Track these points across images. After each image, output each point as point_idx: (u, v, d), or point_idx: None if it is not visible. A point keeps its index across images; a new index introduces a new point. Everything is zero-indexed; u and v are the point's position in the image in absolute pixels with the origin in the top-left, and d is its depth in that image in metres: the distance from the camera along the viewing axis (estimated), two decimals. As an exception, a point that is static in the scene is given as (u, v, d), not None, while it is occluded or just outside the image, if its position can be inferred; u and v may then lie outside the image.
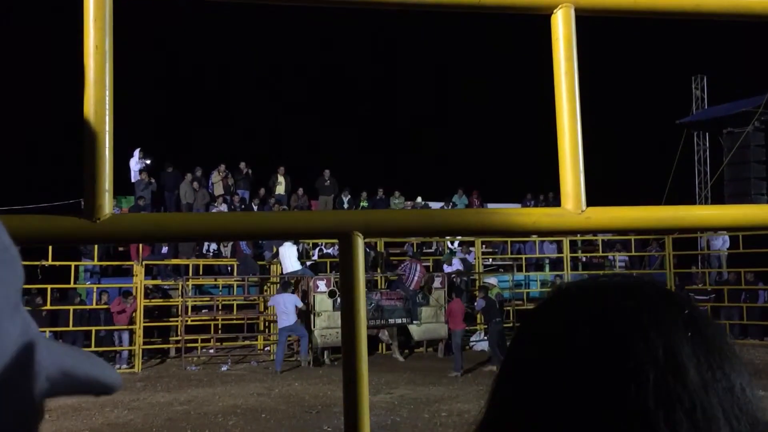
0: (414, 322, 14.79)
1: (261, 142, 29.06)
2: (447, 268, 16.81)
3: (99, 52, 1.00)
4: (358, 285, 1.03)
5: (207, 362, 14.77)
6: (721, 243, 18.29)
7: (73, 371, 0.52)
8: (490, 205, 19.81)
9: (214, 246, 17.46)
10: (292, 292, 14.08)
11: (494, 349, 13.05)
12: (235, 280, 16.44)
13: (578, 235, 17.27)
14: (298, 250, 15.80)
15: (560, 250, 18.85)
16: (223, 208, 17.69)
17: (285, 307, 13.59)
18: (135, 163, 18.38)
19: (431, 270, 16.90)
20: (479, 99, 35.28)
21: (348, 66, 34.20)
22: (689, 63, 26.08)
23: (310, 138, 31.82)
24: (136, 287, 14.61)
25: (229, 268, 16.87)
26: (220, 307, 16.15)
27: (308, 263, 16.71)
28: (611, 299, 0.61)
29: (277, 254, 16.02)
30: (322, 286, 14.21)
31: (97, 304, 14.50)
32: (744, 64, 26.58)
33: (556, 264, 19.13)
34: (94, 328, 14.12)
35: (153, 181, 18.23)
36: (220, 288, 16.73)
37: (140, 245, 14.89)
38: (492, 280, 15.86)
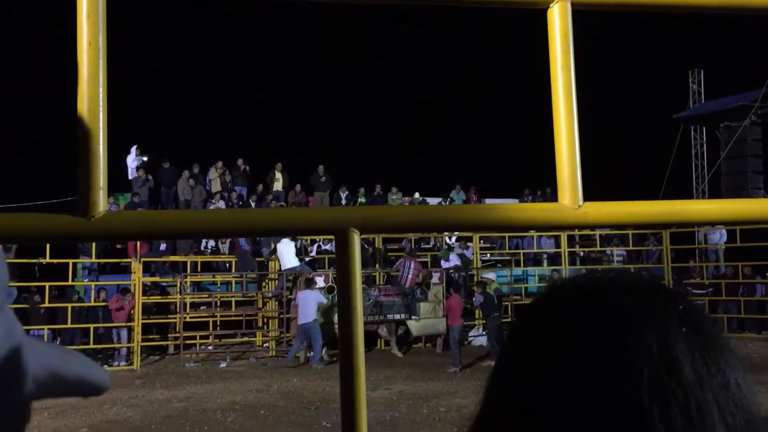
0: (413, 317, 14.81)
1: (259, 138, 29.03)
2: (444, 264, 16.83)
3: (92, 48, 1.00)
4: (355, 281, 1.03)
5: (205, 359, 14.78)
6: (719, 237, 18.33)
7: (61, 372, 0.50)
8: (487, 201, 19.84)
9: (212, 243, 17.45)
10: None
11: (493, 344, 13.08)
12: (233, 277, 16.44)
13: (576, 230, 17.30)
14: (296, 246, 15.80)
15: (558, 245, 18.88)
16: (221, 204, 17.67)
17: (308, 304, 13.50)
18: (132, 160, 18.35)
19: (429, 266, 16.91)
20: (477, 95, 35.26)
21: (346, 63, 34.17)
22: (686, 57, 26.10)
23: (308, 134, 31.83)
24: (135, 284, 14.60)
25: (227, 265, 16.86)
26: (218, 304, 16.15)
27: (307, 259, 16.72)
28: (606, 295, 0.61)
29: (275, 251, 16.02)
30: (320, 282, 14.22)
31: (95, 302, 14.50)
32: (741, 58, 26.57)
33: (554, 259, 19.15)
34: (92, 326, 14.11)
35: (150, 178, 18.20)
36: (219, 285, 16.72)
37: (138, 242, 14.88)
38: (490, 275, 15.89)
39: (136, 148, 18.54)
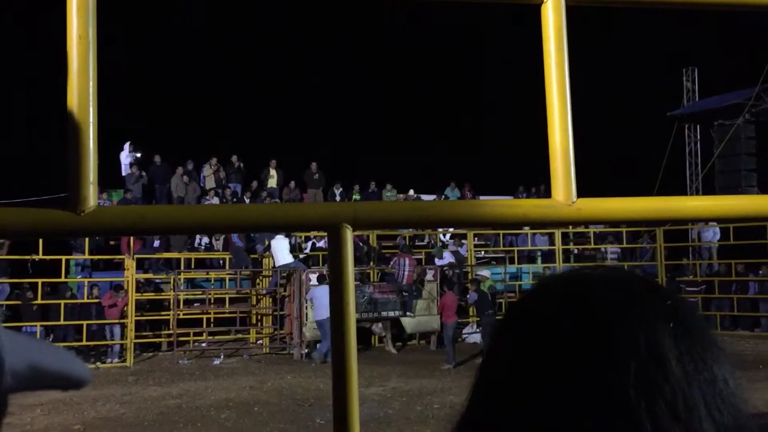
0: (408, 314, 14.82)
1: (253, 135, 28.97)
2: (438, 261, 16.84)
3: (83, 42, 0.99)
4: (347, 277, 1.03)
5: (199, 356, 14.77)
6: (712, 235, 18.39)
7: (40, 366, 0.50)
8: (482, 198, 19.84)
9: (206, 240, 17.42)
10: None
11: (486, 341, 13.09)
12: (227, 274, 16.42)
13: (570, 227, 17.34)
14: (290, 243, 15.79)
15: (552, 243, 18.91)
16: (215, 201, 17.64)
17: (324, 299, 13.48)
18: (125, 157, 18.30)
19: (423, 263, 16.92)
20: (471, 92, 35.27)
21: (341, 59, 34.13)
22: (680, 55, 26.13)
23: (303, 131, 31.77)
24: (128, 281, 14.57)
25: (221, 262, 16.84)
26: (212, 301, 16.13)
27: (301, 256, 16.71)
28: (594, 290, 0.61)
29: (269, 247, 16.00)
30: (314, 279, 14.21)
31: (88, 298, 14.46)
32: (735, 56, 26.63)
33: (548, 256, 19.19)
34: (85, 323, 14.07)
35: (144, 174, 18.16)
36: (212, 281, 16.70)
37: (131, 239, 14.84)
38: (484, 272, 15.89)
39: (129, 144, 18.49)
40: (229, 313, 15.84)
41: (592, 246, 19.30)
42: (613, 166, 25.04)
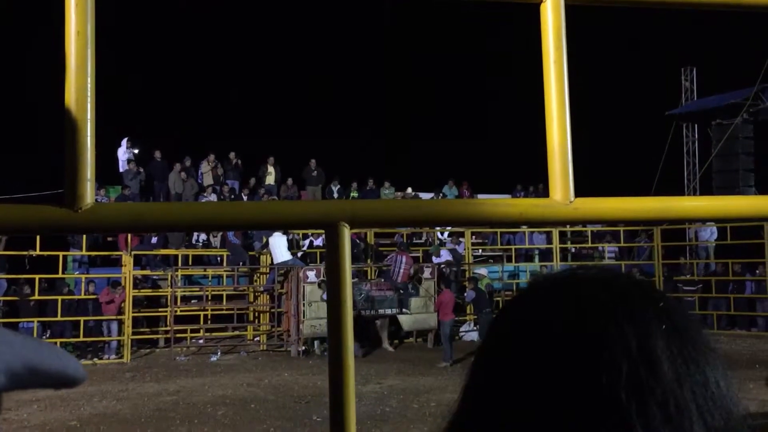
0: (404, 311, 14.82)
1: (251, 132, 28.93)
2: (435, 260, 16.84)
3: (81, 37, 0.98)
4: (345, 275, 1.03)
5: (196, 353, 14.76)
6: (709, 234, 18.41)
7: (34, 364, 0.49)
8: (480, 196, 19.83)
9: (203, 236, 17.41)
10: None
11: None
12: (224, 271, 16.41)
13: (567, 226, 17.35)
14: (288, 240, 15.78)
15: (550, 241, 18.92)
16: (213, 198, 17.62)
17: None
18: (123, 153, 18.28)
19: (421, 261, 16.92)
20: (470, 90, 35.27)
21: (340, 57, 34.09)
22: (679, 54, 26.13)
23: (301, 128, 31.73)
24: (125, 277, 14.55)
25: (218, 259, 16.83)
26: (209, 298, 16.12)
27: (299, 254, 16.70)
28: (586, 291, 0.61)
29: (267, 244, 15.99)
30: (311, 276, 14.20)
31: (85, 294, 14.44)
32: (733, 56, 26.65)
33: (546, 255, 19.20)
34: (82, 319, 14.05)
35: (141, 170, 18.14)
36: (210, 278, 16.69)
37: (128, 235, 14.83)
38: (482, 270, 15.92)
39: (127, 141, 18.47)
40: (227, 310, 15.83)
41: (590, 245, 19.31)
42: (610, 165, 25.07)
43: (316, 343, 14.43)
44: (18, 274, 14.34)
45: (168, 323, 15.30)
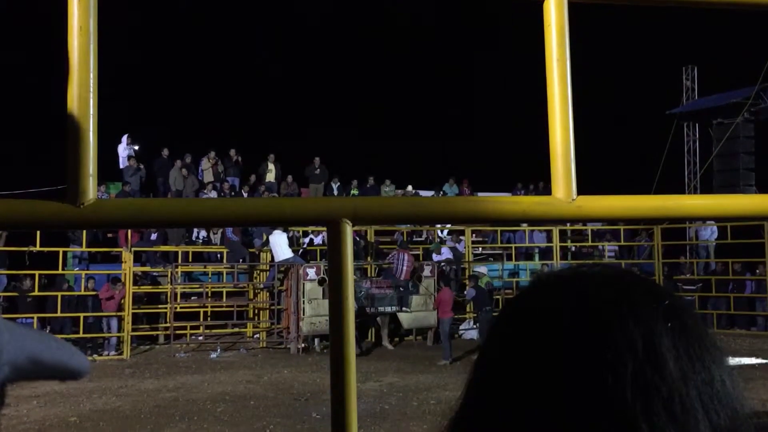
0: (404, 309, 14.83)
1: (251, 129, 28.93)
2: (436, 257, 16.85)
3: (83, 33, 0.98)
4: (346, 273, 1.02)
5: (196, 349, 14.77)
6: (710, 233, 18.42)
7: (39, 357, 0.49)
8: (480, 194, 19.83)
9: (203, 233, 17.41)
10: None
11: (483, 337, 13.12)
12: (224, 267, 16.41)
13: (568, 225, 17.35)
14: (288, 237, 15.78)
15: (550, 240, 18.92)
16: (213, 195, 17.63)
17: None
18: (123, 150, 18.28)
19: (421, 259, 16.93)
20: (471, 88, 35.25)
21: (340, 54, 34.07)
22: (680, 53, 26.14)
23: (301, 126, 31.74)
24: (125, 274, 14.55)
25: (218, 255, 16.83)
26: (209, 294, 16.12)
27: (300, 251, 16.71)
28: (591, 289, 0.60)
29: (267, 242, 15.99)
30: (311, 273, 14.21)
31: (85, 291, 14.44)
32: (735, 55, 26.66)
33: (546, 253, 19.20)
34: (82, 315, 14.06)
35: (142, 167, 18.15)
36: (210, 275, 16.69)
37: (129, 231, 14.83)
38: (482, 269, 15.93)
39: (127, 137, 18.47)
40: (227, 306, 15.84)
41: (590, 243, 19.31)
42: (611, 164, 25.07)
43: (315, 340, 14.44)
44: (18, 270, 14.34)
45: (168, 320, 15.31)
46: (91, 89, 0.98)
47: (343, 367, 1.01)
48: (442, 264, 16.59)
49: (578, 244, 19.67)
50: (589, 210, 1.13)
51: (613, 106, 28.33)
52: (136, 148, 18.47)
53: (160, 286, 15.98)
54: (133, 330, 14.58)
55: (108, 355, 14.06)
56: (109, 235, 16.37)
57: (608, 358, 0.55)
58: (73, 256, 15.95)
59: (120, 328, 14.28)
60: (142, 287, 15.58)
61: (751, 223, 14.79)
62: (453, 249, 17.72)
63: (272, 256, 15.77)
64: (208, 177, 18.71)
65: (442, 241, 18.35)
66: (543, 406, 0.55)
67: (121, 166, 18.23)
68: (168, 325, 15.19)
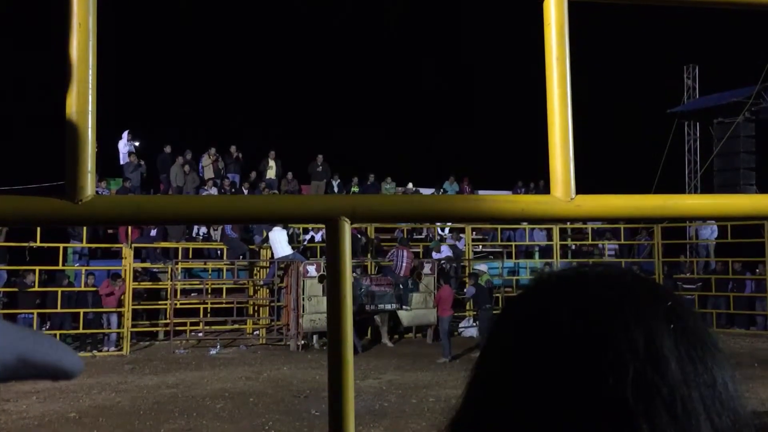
0: (404, 307, 14.83)
1: (252, 126, 28.93)
2: (436, 255, 16.85)
3: (82, 29, 0.98)
4: (345, 270, 1.02)
5: (195, 346, 14.78)
6: (710, 233, 18.42)
7: (29, 356, 0.49)
8: (480, 192, 19.83)
9: (203, 230, 17.42)
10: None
11: (483, 335, 13.13)
12: (224, 264, 16.41)
13: (568, 223, 17.34)
14: (288, 234, 15.79)
15: (550, 238, 18.92)
16: (213, 191, 17.63)
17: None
18: (123, 146, 18.28)
19: (421, 257, 16.93)
20: (472, 86, 35.23)
21: (342, 52, 34.04)
22: (681, 52, 26.09)
23: (302, 123, 31.72)
24: (125, 270, 14.56)
25: (218, 252, 16.83)
26: (209, 291, 16.13)
27: (300, 248, 16.71)
28: (592, 289, 0.60)
29: (267, 239, 16.00)
30: (311, 270, 14.21)
31: (85, 287, 14.45)
32: (736, 54, 26.62)
33: (546, 251, 19.21)
34: (82, 310, 14.06)
35: (142, 163, 18.14)
36: (210, 272, 16.70)
37: (129, 228, 14.84)
38: (482, 267, 15.93)
39: (128, 133, 18.46)
40: (226, 303, 15.85)
41: (590, 242, 19.31)
42: (611, 163, 25.06)
43: (314, 337, 14.45)
44: (18, 266, 14.35)
45: (167, 316, 15.32)
46: (90, 86, 0.98)
47: (341, 365, 1.01)
48: (442, 262, 16.60)
49: (578, 243, 19.67)
50: (588, 209, 1.13)
51: (613, 104, 28.32)
52: (137, 144, 18.46)
53: (160, 283, 15.99)
54: (133, 326, 14.59)
55: (108, 350, 14.07)
56: (110, 231, 16.37)
57: (609, 358, 0.54)
58: (74, 251, 15.95)
59: (120, 324, 14.29)
60: (142, 283, 15.59)
61: (752, 222, 14.80)
62: (453, 247, 17.72)
63: (272, 253, 15.78)
64: (209, 173, 18.70)
65: (442, 239, 18.35)
66: (542, 406, 0.54)
67: (122, 162, 18.21)
68: (168, 321, 15.20)
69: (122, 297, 14.24)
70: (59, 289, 14.04)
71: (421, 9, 32.50)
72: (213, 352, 14.03)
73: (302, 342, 14.21)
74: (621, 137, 28.51)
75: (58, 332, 13.48)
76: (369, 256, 16.81)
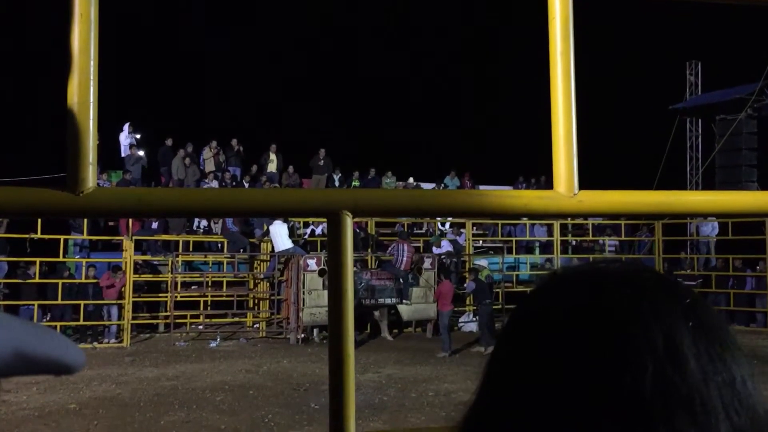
0: (404, 301, 14.84)
1: (253, 119, 28.91)
2: (436, 250, 16.85)
3: (84, 20, 0.98)
4: (346, 264, 1.02)
5: (196, 338, 14.80)
6: (711, 229, 18.42)
7: (30, 351, 0.48)
8: (482, 187, 19.81)
9: (204, 222, 17.41)
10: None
11: (483, 330, 13.16)
12: (225, 257, 16.42)
13: (569, 219, 17.33)
14: (288, 227, 15.78)
15: (551, 234, 18.92)
16: (214, 184, 17.62)
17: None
18: (124, 138, 18.27)
19: (421, 251, 16.93)
20: (474, 81, 35.17)
21: (343, 46, 33.99)
22: (684, 48, 26.05)
23: (303, 116, 31.69)
24: (126, 262, 14.57)
25: (219, 245, 16.83)
26: (209, 284, 16.15)
27: (301, 241, 16.71)
28: (610, 286, 0.59)
29: (267, 232, 16.00)
30: (312, 264, 14.22)
31: (86, 279, 14.46)
32: (739, 51, 26.55)
33: (547, 247, 19.21)
34: (82, 302, 14.08)
35: (143, 155, 18.14)
36: (210, 264, 16.70)
37: (129, 220, 14.83)
38: (482, 262, 15.91)
39: (129, 126, 18.45)
40: (227, 296, 15.87)
41: (591, 238, 19.31)
42: (613, 159, 25.04)
43: (315, 330, 14.46)
44: (19, 257, 14.36)
45: (168, 308, 15.34)
46: (92, 77, 0.98)
47: (342, 358, 1.01)
48: (443, 256, 16.59)
49: (579, 239, 19.66)
50: (590, 205, 1.12)
51: (616, 100, 28.29)
52: (138, 136, 18.45)
53: (161, 275, 16.00)
54: (134, 318, 14.60)
55: (108, 342, 14.09)
56: (110, 223, 16.37)
57: (627, 357, 0.53)
58: (74, 243, 15.96)
59: (120, 316, 14.31)
60: (142, 276, 15.60)
61: (753, 219, 14.79)
62: (453, 242, 17.71)
63: (272, 247, 15.78)
64: (210, 166, 18.68)
65: (443, 234, 18.35)
66: (559, 404, 0.54)
67: (123, 155, 18.21)
68: (168, 313, 15.22)
69: (123, 289, 14.26)
70: (60, 281, 14.06)
71: (422, 4, 32.41)
72: (213, 344, 14.05)
73: (302, 335, 14.22)
74: (623, 133, 28.50)
75: (58, 324, 13.49)
76: (369, 250, 16.81)
